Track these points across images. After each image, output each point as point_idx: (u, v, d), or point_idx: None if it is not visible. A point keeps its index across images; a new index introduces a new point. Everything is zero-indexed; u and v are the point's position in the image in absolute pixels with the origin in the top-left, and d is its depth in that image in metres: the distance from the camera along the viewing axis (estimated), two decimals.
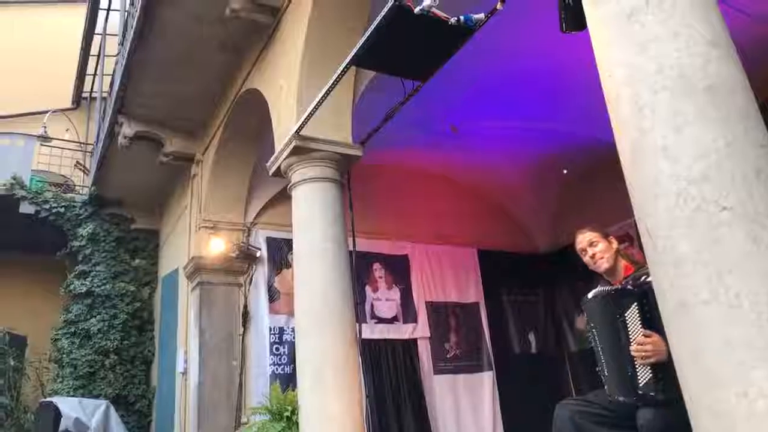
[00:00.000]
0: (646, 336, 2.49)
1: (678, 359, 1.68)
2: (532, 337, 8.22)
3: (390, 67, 3.65)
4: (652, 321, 2.49)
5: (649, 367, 2.49)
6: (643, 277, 2.60)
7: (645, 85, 1.79)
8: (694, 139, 1.68)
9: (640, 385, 2.52)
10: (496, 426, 7.24)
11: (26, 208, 8.50)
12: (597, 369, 2.78)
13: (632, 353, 2.54)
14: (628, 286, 2.69)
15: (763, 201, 1.60)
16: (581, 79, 4.21)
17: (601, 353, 2.74)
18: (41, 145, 10.10)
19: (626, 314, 2.60)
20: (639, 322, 2.55)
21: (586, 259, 2.93)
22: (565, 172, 7.83)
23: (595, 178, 7.27)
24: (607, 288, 2.79)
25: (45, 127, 10.13)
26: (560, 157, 7.44)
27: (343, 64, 3.56)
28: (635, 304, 2.58)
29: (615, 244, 2.89)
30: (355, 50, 3.38)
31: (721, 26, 1.82)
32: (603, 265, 2.87)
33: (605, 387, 2.72)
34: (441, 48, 3.37)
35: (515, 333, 8.12)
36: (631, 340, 2.56)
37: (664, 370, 2.41)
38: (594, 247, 2.89)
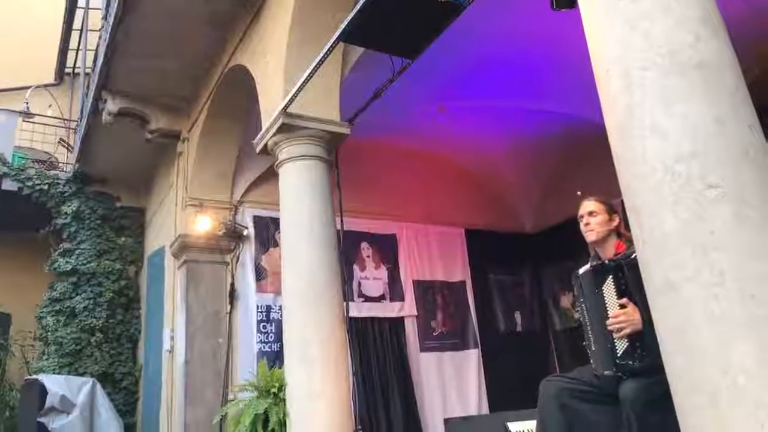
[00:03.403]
0: (621, 306, 2.56)
1: (662, 335, 1.71)
2: (517, 315, 8.30)
3: (379, 44, 3.62)
4: (627, 294, 2.57)
5: (626, 338, 2.56)
6: (633, 255, 2.64)
7: (635, 61, 1.79)
8: (683, 116, 1.68)
9: (619, 355, 2.58)
10: (481, 402, 7.33)
11: (9, 185, 8.37)
12: (584, 344, 2.84)
13: (608, 326, 2.60)
14: (606, 261, 2.74)
15: (749, 180, 1.61)
16: (571, 58, 4.21)
17: (588, 328, 2.79)
18: (24, 121, 9.93)
19: (603, 288, 2.68)
20: (615, 295, 2.63)
21: (581, 225, 2.95)
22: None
23: (583, 158, 7.29)
24: (592, 264, 2.84)
25: (27, 102, 9.94)
26: (549, 136, 7.44)
27: (331, 41, 3.52)
28: (611, 277, 2.65)
29: (615, 223, 2.89)
30: (343, 26, 3.34)
31: (711, 4, 1.82)
32: (590, 236, 2.89)
33: (591, 362, 2.77)
34: (431, 25, 3.34)
35: (501, 311, 8.19)
36: (609, 313, 2.62)
37: (641, 339, 2.49)
38: (591, 217, 2.89)
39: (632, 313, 2.51)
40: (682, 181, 1.64)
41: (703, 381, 1.56)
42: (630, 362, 2.53)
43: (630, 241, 2.79)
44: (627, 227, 2.07)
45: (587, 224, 2.90)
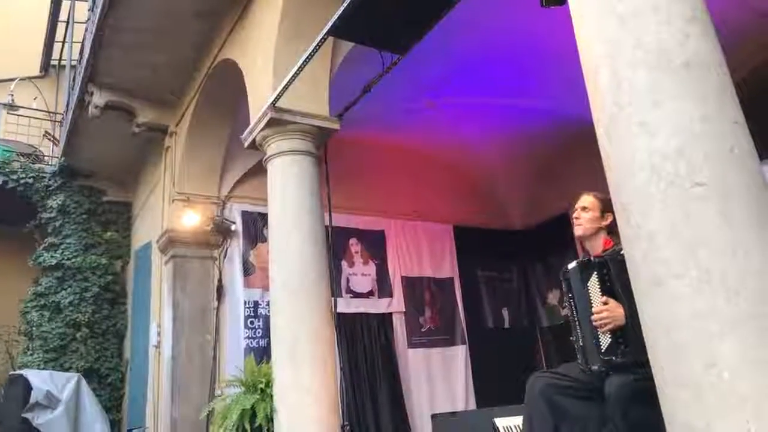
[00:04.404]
0: (603, 303, 2.59)
1: (648, 330, 1.72)
2: (505, 312, 8.34)
3: (369, 39, 3.60)
4: (611, 290, 2.60)
5: (609, 333, 2.58)
6: (621, 252, 2.66)
7: (623, 59, 1.80)
8: (671, 114, 1.69)
9: (603, 350, 2.61)
10: (468, 399, 7.36)
11: None
12: (571, 338, 2.86)
13: (592, 321, 2.63)
14: (592, 258, 2.77)
15: (735, 177, 1.63)
16: (560, 56, 4.22)
17: (576, 323, 2.81)
18: (8, 113, 9.81)
19: (588, 284, 2.71)
20: (599, 291, 2.66)
21: (573, 218, 2.98)
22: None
23: (572, 156, 7.32)
24: (579, 260, 2.86)
25: (12, 94, 9.83)
26: (537, 134, 7.46)
27: (321, 35, 3.50)
28: (595, 273, 2.69)
29: (607, 222, 2.87)
30: (332, 20, 3.33)
31: (700, 3, 1.83)
32: (577, 231, 2.94)
33: (578, 357, 2.79)
34: (421, 20, 3.33)
35: (489, 308, 8.22)
36: (594, 309, 2.65)
37: (624, 334, 2.52)
38: (583, 212, 2.92)
39: (615, 309, 2.54)
40: (669, 179, 1.65)
41: (688, 376, 1.57)
42: (613, 357, 2.56)
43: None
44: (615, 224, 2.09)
45: (577, 218, 2.94)
